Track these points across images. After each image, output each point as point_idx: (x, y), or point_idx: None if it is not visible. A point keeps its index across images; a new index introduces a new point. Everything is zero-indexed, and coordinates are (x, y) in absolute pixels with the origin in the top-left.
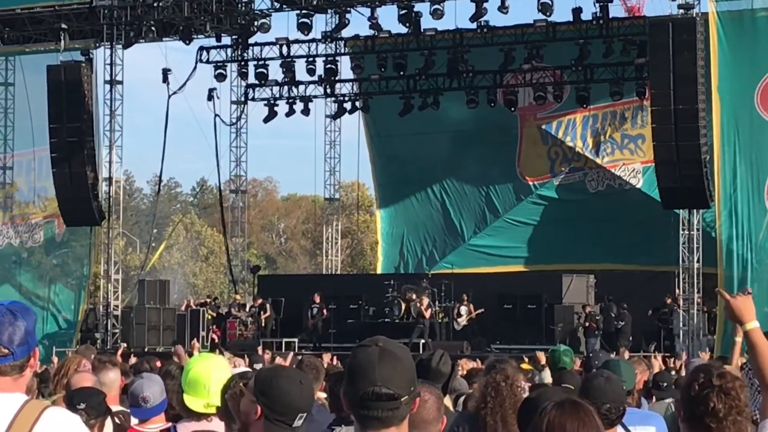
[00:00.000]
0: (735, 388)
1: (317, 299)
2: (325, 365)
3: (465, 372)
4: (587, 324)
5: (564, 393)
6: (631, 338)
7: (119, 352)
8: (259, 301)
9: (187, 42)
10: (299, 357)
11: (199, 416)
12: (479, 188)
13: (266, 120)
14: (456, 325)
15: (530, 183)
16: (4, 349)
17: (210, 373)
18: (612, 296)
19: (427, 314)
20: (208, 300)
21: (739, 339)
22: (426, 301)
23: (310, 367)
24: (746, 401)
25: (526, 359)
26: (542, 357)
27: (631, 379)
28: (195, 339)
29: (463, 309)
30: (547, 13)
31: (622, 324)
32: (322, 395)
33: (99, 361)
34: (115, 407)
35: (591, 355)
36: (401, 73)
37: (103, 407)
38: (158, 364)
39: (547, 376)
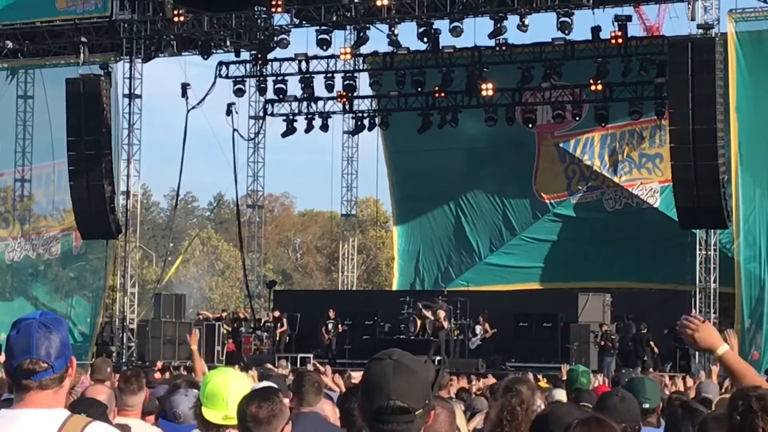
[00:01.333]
0: None
1: (332, 315)
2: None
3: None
4: (603, 343)
5: (576, 408)
6: (645, 358)
7: (158, 367)
8: (276, 314)
9: (205, 57)
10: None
11: (218, 429)
12: (496, 206)
13: (285, 134)
14: (470, 345)
15: (547, 201)
16: (43, 364)
17: (228, 386)
18: (631, 315)
19: (446, 324)
20: (224, 314)
21: (715, 368)
22: (443, 314)
23: (311, 381)
24: None
25: (542, 377)
26: (564, 370)
27: (655, 398)
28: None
29: (479, 328)
30: (566, 32)
31: (636, 343)
32: (327, 408)
33: (125, 382)
34: (126, 419)
35: (617, 377)
36: (419, 89)
37: (105, 419)
38: (156, 376)
39: (558, 394)
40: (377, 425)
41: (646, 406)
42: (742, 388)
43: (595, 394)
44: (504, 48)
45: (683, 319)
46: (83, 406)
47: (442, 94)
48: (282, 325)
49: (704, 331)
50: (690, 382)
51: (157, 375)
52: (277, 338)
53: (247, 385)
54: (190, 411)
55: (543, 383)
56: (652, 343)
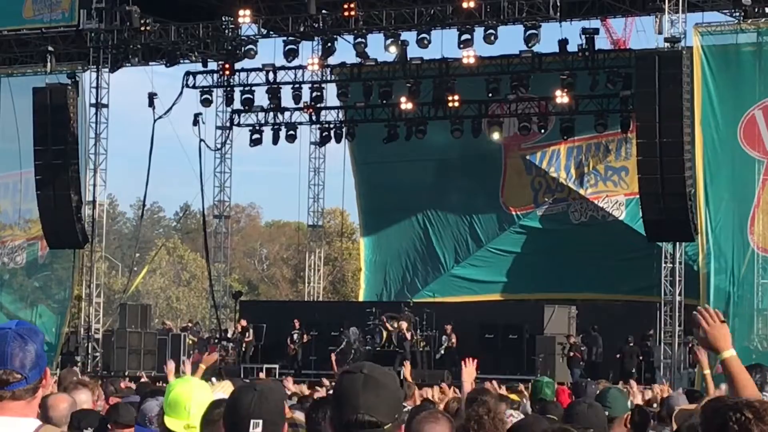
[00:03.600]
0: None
1: (296, 325)
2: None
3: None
4: (572, 354)
5: (546, 422)
6: (633, 370)
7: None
8: (243, 323)
9: (168, 65)
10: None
11: None
12: (462, 217)
13: (253, 144)
14: (436, 354)
15: (513, 213)
16: (17, 375)
17: (191, 395)
18: (597, 327)
19: (408, 336)
20: (190, 324)
21: (707, 372)
22: (405, 324)
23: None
24: None
25: (508, 389)
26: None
27: (617, 407)
28: (186, 358)
29: (444, 338)
30: (530, 44)
31: (624, 356)
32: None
33: (72, 383)
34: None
35: (577, 383)
36: (383, 101)
37: (103, 429)
38: (122, 385)
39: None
40: None
41: (606, 414)
42: (722, 397)
43: (560, 405)
44: (471, 60)
45: (701, 308)
46: (89, 420)
47: (410, 106)
48: (248, 336)
49: (717, 330)
50: (655, 391)
51: (123, 385)
52: (243, 348)
53: (210, 395)
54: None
55: (514, 396)
56: (640, 357)
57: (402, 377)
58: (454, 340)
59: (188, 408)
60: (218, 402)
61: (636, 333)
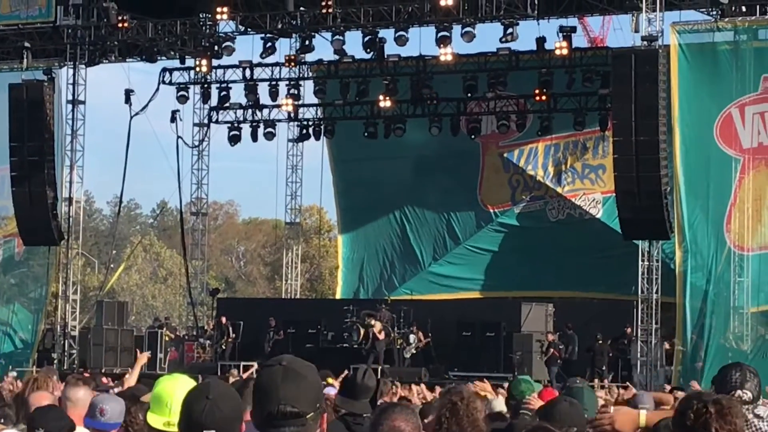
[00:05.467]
0: (732, 412)
1: (273, 323)
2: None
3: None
4: (550, 352)
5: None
6: (603, 368)
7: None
8: (223, 320)
9: (144, 59)
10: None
11: None
12: (440, 215)
13: (232, 142)
14: (405, 353)
15: (491, 210)
16: None
17: (174, 392)
18: (572, 325)
19: (381, 336)
20: (166, 321)
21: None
22: (379, 325)
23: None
24: (742, 426)
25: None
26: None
27: (592, 407)
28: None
29: (412, 337)
30: (502, 39)
31: (595, 354)
32: None
33: (73, 378)
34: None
35: (569, 385)
36: (357, 99)
37: (66, 430)
38: (104, 380)
39: (499, 404)
40: (270, 430)
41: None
42: (699, 391)
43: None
44: (449, 57)
45: (592, 423)
46: (43, 418)
47: (388, 104)
48: (229, 333)
49: (618, 416)
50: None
51: (104, 380)
52: (224, 347)
53: None
54: (117, 410)
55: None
56: (611, 354)
57: (379, 374)
58: (421, 337)
59: (170, 405)
60: None
61: (611, 331)
